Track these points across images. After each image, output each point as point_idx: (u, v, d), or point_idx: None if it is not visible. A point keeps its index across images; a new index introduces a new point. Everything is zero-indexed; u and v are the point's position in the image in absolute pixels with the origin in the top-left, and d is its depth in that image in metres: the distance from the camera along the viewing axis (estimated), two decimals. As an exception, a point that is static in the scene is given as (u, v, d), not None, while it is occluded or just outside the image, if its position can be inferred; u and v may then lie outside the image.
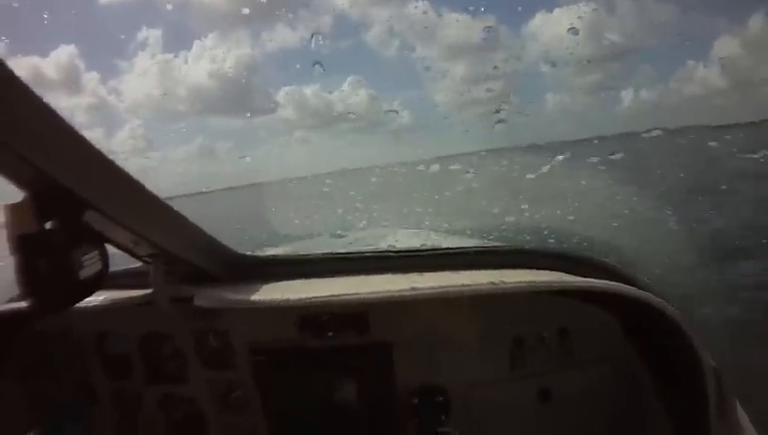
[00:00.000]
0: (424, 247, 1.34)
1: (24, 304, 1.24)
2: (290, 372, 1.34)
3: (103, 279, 0.92)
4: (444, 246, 1.40)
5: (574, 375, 1.29)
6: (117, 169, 0.89)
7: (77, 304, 0.91)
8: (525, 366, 1.29)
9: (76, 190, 0.82)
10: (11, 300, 1.38)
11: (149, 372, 1.42)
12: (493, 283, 1.05)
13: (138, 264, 1.20)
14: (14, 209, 0.80)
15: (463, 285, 1.07)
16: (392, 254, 1.33)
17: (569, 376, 1.29)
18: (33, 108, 0.71)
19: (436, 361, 1.31)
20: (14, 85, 0.67)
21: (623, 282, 1.12)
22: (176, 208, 1.08)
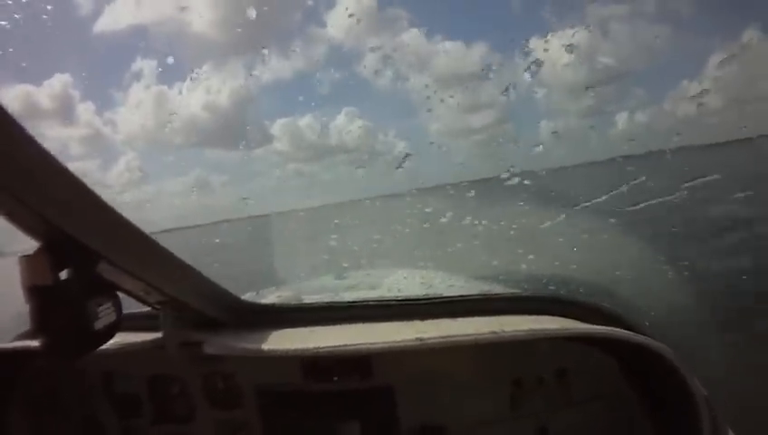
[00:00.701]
0: (426, 296, 1.36)
1: (32, 342, 1.26)
2: (295, 415, 1.36)
3: (117, 329, 0.93)
4: (446, 291, 1.42)
5: (571, 414, 1.31)
6: (125, 221, 0.91)
7: None
8: (525, 406, 1.31)
9: (87, 242, 0.84)
10: (19, 337, 1.39)
11: (157, 412, 1.43)
12: (494, 332, 1.08)
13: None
14: (28, 260, 0.80)
15: (465, 335, 1.09)
16: (395, 302, 1.36)
17: (566, 415, 1.31)
18: (42, 160, 0.73)
19: (438, 402, 1.33)
20: (21, 139, 0.69)
21: (620, 325, 1.15)
22: (180, 240, 1.09)
